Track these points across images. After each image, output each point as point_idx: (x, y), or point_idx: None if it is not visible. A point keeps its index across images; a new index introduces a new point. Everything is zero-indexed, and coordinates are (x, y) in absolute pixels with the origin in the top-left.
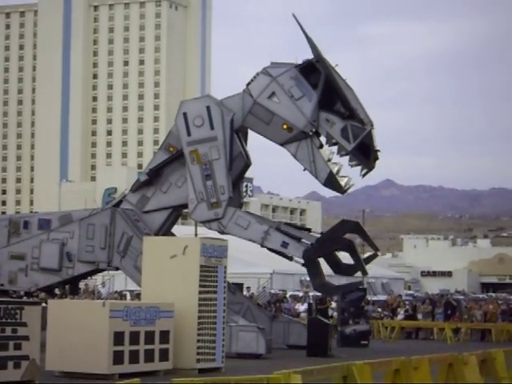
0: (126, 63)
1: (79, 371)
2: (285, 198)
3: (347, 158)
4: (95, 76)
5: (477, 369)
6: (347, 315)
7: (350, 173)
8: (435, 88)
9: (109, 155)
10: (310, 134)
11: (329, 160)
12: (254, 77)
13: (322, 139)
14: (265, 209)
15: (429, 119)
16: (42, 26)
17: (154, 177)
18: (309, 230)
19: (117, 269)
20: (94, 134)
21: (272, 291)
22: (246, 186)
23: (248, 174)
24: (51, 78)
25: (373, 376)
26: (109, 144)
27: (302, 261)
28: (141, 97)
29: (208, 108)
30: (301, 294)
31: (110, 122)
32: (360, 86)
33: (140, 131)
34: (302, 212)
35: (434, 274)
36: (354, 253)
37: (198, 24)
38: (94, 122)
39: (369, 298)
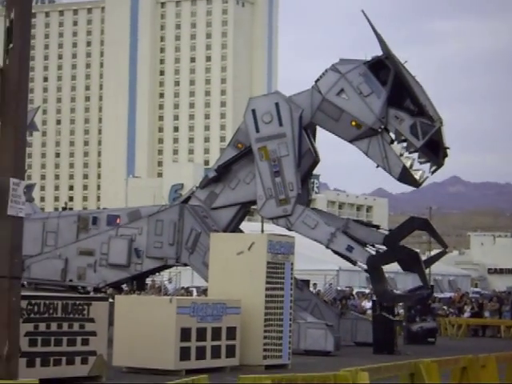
0: (192, 60)
1: (146, 367)
2: (351, 194)
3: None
4: (162, 73)
5: None
6: (414, 312)
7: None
8: (501, 84)
9: (175, 151)
10: (379, 130)
11: (401, 155)
12: (323, 73)
13: (391, 136)
14: (331, 205)
15: (495, 116)
16: (109, 22)
17: (222, 173)
18: (377, 226)
19: (185, 265)
20: (160, 130)
21: (338, 288)
22: (313, 183)
23: (315, 171)
24: (118, 75)
25: (440, 374)
26: (175, 140)
27: (365, 267)
28: (207, 93)
29: (277, 104)
30: (367, 290)
31: (176, 118)
32: (424, 82)
33: (206, 128)
34: (369, 209)
35: (501, 271)
36: (418, 265)
37: (265, 21)
38: (161, 118)
39: (435, 295)
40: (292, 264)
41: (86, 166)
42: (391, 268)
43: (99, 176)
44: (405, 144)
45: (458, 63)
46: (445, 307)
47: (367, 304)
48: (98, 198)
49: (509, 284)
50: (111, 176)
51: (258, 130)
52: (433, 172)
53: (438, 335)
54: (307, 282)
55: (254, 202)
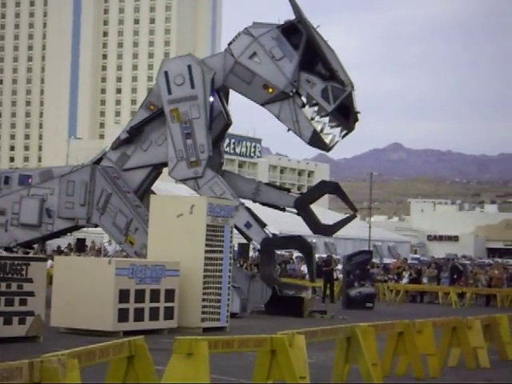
0: (136, 21)
1: (84, 328)
2: (293, 159)
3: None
4: (105, 34)
5: (481, 333)
6: (352, 278)
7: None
8: (448, 52)
9: (118, 113)
10: (291, 94)
11: (312, 119)
12: (236, 36)
13: (303, 100)
14: (273, 170)
15: (439, 84)
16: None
17: (134, 135)
18: (288, 190)
19: (96, 226)
20: (103, 92)
21: (278, 252)
22: (255, 147)
23: (257, 135)
24: (61, 35)
25: (376, 338)
26: (118, 102)
27: (258, 246)
28: (151, 55)
29: (189, 67)
30: None
31: (119, 80)
32: (372, 49)
33: (149, 90)
34: (310, 174)
35: (440, 238)
36: (310, 258)
37: (209, 5)
38: (104, 80)
39: (375, 261)
40: (232, 227)
41: (28, 126)
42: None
43: (41, 137)
44: (316, 108)
45: (408, 29)
46: (383, 272)
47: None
48: (39, 159)
49: (448, 251)
50: (53, 137)
51: (170, 92)
52: (343, 136)
53: (376, 301)
54: (247, 246)
55: (165, 164)
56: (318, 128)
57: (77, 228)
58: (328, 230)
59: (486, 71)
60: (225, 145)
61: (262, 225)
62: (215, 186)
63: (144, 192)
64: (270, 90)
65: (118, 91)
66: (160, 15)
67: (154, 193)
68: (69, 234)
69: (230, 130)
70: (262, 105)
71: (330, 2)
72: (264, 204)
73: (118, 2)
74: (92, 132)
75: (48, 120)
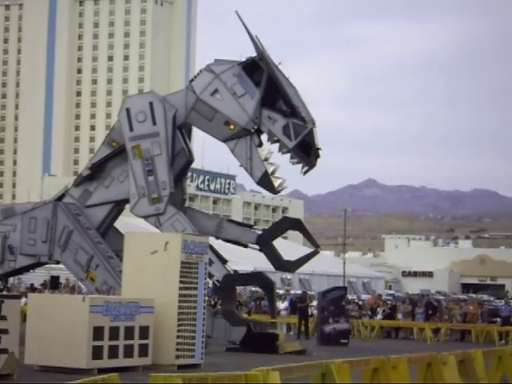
0: (110, 58)
1: (58, 365)
2: (267, 196)
3: (288, 156)
4: (79, 71)
5: (455, 369)
6: (327, 313)
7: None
8: (421, 89)
9: (91, 150)
10: (252, 131)
11: (266, 159)
12: (198, 73)
13: (264, 137)
14: (247, 206)
15: (413, 120)
16: (27, 19)
17: (96, 171)
18: (251, 226)
19: (57, 262)
20: (77, 128)
21: (253, 289)
22: (229, 184)
23: (231, 172)
24: (35, 72)
25: (351, 374)
26: (92, 139)
27: (218, 284)
28: (125, 92)
29: (151, 104)
30: (281, 291)
31: (93, 116)
32: (346, 86)
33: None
34: (284, 210)
35: (415, 274)
36: (271, 293)
37: (184, 20)
38: (78, 116)
39: (349, 296)
40: (206, 264)
41: (2, 163)
42: (306, 270)
43: (14, 174)
44: (274, 147)
45: (381, 67)
46: (358, 308)
47: (281, 305)
48: (14, 196)
49: (422, 287)
50: (27, 174)
51: (131, 129)
52: (305, 172)
53: (351, 337)
54: None
55: (127, 201)
56: (270, 170)
57: (39, 265)
58: (291, 267)
59: (458, 108)
60: (199, 181)
61: (223, 261)
62: (177, 223)
63: (106, 229)
64: (232, 127)
65: (92, 128)
66: (134, 52)
67: (116, 229)
68: (32, 270)
69: (205, 167)
70: (224, 141)
71: (309, 38)
72: (226, 240)
73: (91, 39)
74: (66, 169)
75: (22, 157)
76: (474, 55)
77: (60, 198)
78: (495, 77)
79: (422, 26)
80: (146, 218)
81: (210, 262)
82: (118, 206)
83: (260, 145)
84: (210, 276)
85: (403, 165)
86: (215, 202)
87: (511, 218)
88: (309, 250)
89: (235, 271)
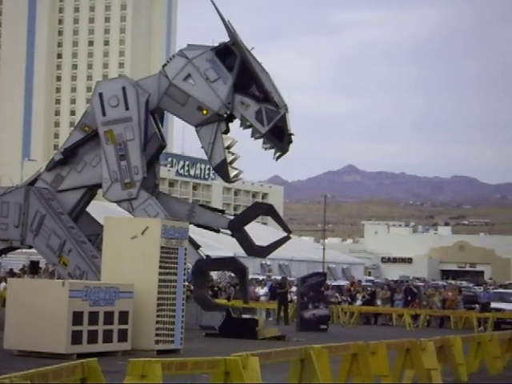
0: (90, 43)
1: (37, 350)
2: (247, 181)
3: (261, 141)
4: (59, 56)
5: (434, 355)
6: (307, 299)
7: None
8: (400, 76)
9: None
10: (225, 116)
11: (228, 147)
12: (170, 58)
13: (237, 123)
14: (227, 192)
15: (392, 106)
16: (8, 4)
17: (69, 156)
18: (222, 211)
19: (30, 247)
20: (57, 113)
21: (232, 274)
22: (209, 169)
23: None
24: (15, 57)
25: (330, 360)
26: (72, 124)
27: (191, 268)
28: (105, 77)
29: (124, 89)
30: (261, 277)
31: (73, 101)
32: (327, 72)
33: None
34: (264, 196)
35: (394, 260)
36: (243, 279)
37: (164, 5)
38: (58, 101)
39: (329, 282)
40: (186, 249)
41: None
42: (285, 256)
43: None
44: (242, 135)
45: (359, 53)
46: (337, 295)
47: (260, 291)
48: None
49: (401, 273)
50: (7, 159)
51: (104, 114)
52: (277, 158)
53: (330, 322)
54: None
55: (100, 185)
56: (229, 159)
57: (11, 249)
58: (262, 252)
59: (438, 94)
60: (179, 167)
61: (196, 246)
62: (149, 208)
63: (79, 213)
64: (204, 112)
65: (72, 113)
66: (114, 37)
67: (89, 214)
68: (3, 255)
69: (185, 152)
70: (196, 126)
71: (285, 25)
72: (198, 226)
73: (72, 24)
74: (46, 154)
75: (1, 142)
76: (450, 42)
77: (32, 183)
78: (472, 63)
79: (396, 13)
80: (118, 202)
81: None
82: (91, 191)
83: (226, 132)
84: None
85: (383, 151)
86: (195, 187)
87: (490, 205)
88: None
89: (208, 256)
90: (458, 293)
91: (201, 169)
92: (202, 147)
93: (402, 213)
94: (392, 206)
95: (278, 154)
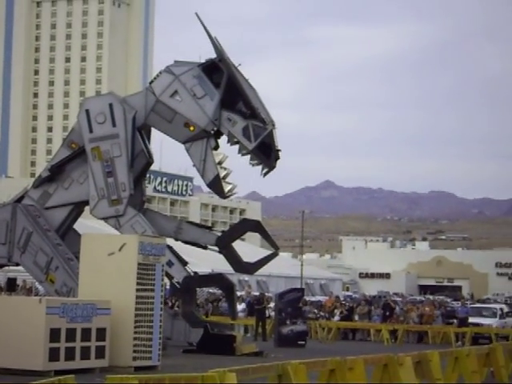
0: (67, 60)
1: (14, 367)
2: None
3: (248, 157)
4: (36, 72)
5: (412, 370)
6: (284, 315)
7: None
8: (376, 91)
9: (49, 152)
10: (212, 132)
11: (220, 163)
12: (157, 75)
13: (224, 138)
14: (204, 208)
15: (370, 122)
16: None
17: (56, 173)
18: (210, 228)
19: (17, 264)
20: (34, 130)
21: (210, 290)
22: (187, 185)
23: (188, 173)
24: None
25: (308, 376)
26: (49, 140)
27: (178, 286)
28: (82, 94)
29: (110, 105)
30: (239, 293)
31: (50, 118)
32: (303, 88)
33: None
34: (242, 212)
35: (372, 275)
36: (231, 295)
37: (141, 22)
38: (35, 118)
39: (307, 298)
40: (163, 266)
41: None
42: (263, 272)
43: None
44: (231, 151)
45: (337, 69)
46: (315, 310)
47: (239, 306)
48: None
49: (379, 288)
50: None
51: (91, 130)
52: (265, 174)
53: (308, 338)
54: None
55: (87, 202)
56: (222, 174)
57: None
58: (250, 268)
59: (415, 109)
60: (156, 183)
61: (184, 263)
62: (136, 225)
63: (66, 230)
64: (192, 129)
65: (49, 129)
66: (91, 53)
67: (76, 231)
68: None
69: (162, 169)
70: (183, 143)
71: (259, 39)
72: (186, 242)
73: (49, 41)
74: (23, 170)
75: None
76: (427, 57)
77: (19, 200)
78: (448, 78)
79: (378, 29)
80: (105, 219)
81: (170, 264)
82: (78, 208)
83: (216, 148)
84: (170, 277)
85: (359, 167)
86: (173, 203)
87: (468, 220)
88: (266, 251)
89: (195, 273)
90: (436, 308)
91: (178, 185)
92: (194, 165)
93: (379, 228)
94: (369, 221)
95: (266, 170)
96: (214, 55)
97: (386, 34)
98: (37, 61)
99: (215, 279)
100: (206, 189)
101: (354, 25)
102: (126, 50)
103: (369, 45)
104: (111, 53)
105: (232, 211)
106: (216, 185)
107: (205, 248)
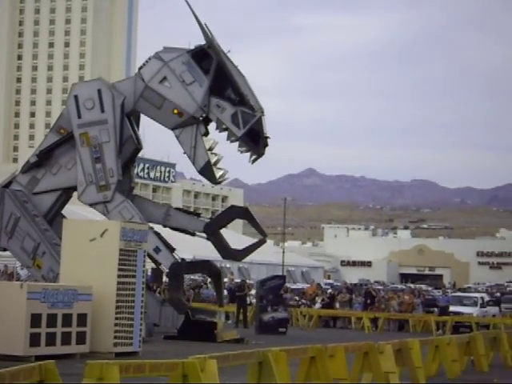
0: (51, 45)
1: None
2: (207, 184)
3: (237, 144)
4: (20, 57)
5: (392, 358)
6: (266, 302)
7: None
8: (360, 80)
9: (31, 137)
10: (201, 119)
11: (210, 149)
12: (147, 61)
13: (213, 125)
14: (187, 195)
15: (353, 110)
16: None
17: (44, 158)
18: (198, 214)
19: (4, 250)
20: (17, 115)
21: (192, 277)
22: (169, 172)
23: (171, 160)
24: None
25: (289, 363)
26: (32, 126)
27: (167, 270)
28: (65, 79)
29: (99, 91)
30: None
31: (33, 103)
32: (287, 75)
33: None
34: (224, 199)
35: (353, 263)
36: (218, 281)
37: (125, 7)
38: (18, 103)
39: (288, 285)
40: (145, 252)
41: None
42: (246, 259)
43: None
44: (221, 137)
45: (322, 57)
46: (297, 298)
47: None
48: None
49: (361, 276)
50: None
51: (79, 116)
52: (253, 161)
53: (289, 326)
54: (161, 271)
55: (75, 188)
56: (213, 160)
57: None
58: (238, 255)
59: (399, 98)
60: (139, 169)
61: (171, 249)
62: (124, 211)
63: (54, 216)
64: (180, 115)
65: (32, 115)
66: (75, 39)
67: (64, 216)
68: None
69: (145, 155)
70: (172, 129)
71: (249, 27)
72: (174, 229)
73: (32, 25)
74: (5, 156)
75: None
76: (413, 47)
77: (7, 185)
78: (437, 67)
79: (363, 17)
80: (93, 205)
81: (158, 250)
82: (66, 194)
83: (206, 134)
84: (158, 264)
85: (343, 154)
86: (155, 190)
87: (450, 209)
88: (249, 238)
89: (183, 259)
90: (416, 296)
91: (161, 171)
92: (184, 152)
93: (361, 216)
94: (352, 209)
95: (254, 157)
96: (202, 41)
97: (373, 22)
98: (20, 46)
99: (202, 266)
100: (188, 175)
101: (341, 13)
102: (109, 35)
103: (355, 33)
104: (95, 38)
105: (214, 198)
106: (207, 171)
107: (193, 235)
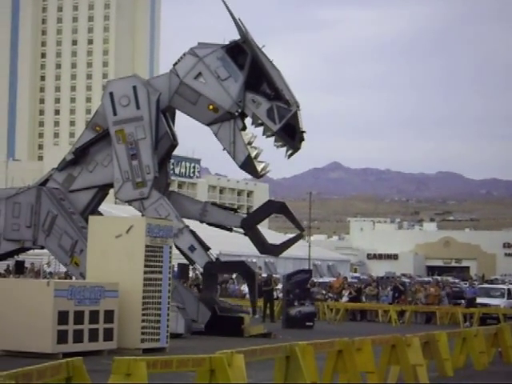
0: (74, 42)
1: (23, 350)
2: (232, 179)
3: (272, 139)
4: (43, 55)
5: (420, 350)
6: (292, 297)
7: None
8: (384, 73)
9: (56, 135)
10: (236, 114)
11: (249, 143)
12: (181, 57)
13: (248, 120)
14: (212, 190)
15: (378, 103)
16: None
17: (80, 156)
18: (235, 210)
19: (42, 247)
20: (41, 113)
21: None
22: (194, 168)
23: (196, 155)
24: None
25: (316, 357)
26: (56, 123)
27: (201, 269)
28: (89, 76)
29: (134, 88)
30: None
31: (57, 101)
32: (311, 69)
33: (88, 111)
34: (250, 194)
35: (380, 256)
36: (252, 282)
37: (148, 3)
38: (42, 101)
39: (314, 279)
40: (171, 247)
41: None
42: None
43: None
44: (258, 131)
45: (347, 50)
46: (323, 291)
47: (246, 289)
48: None
49: (387, 269)
50: None
51: (115, 113)
52: (289, 156)
53: (316, 319)
54: (187, 267)
55: (111, 185)
56: (253, 154)
57: (23, 250)
58: (275, 250)
59: (424, 91)
60: None
61: (206, 248)
62: (160, 208)
63: (90, 213)
64: (216, 111)
65: (57, 112)
66: (98, 36)
67: (101, 214)
68: (16, 256)
69: None
70: (208, 125)
71: (273, 22)
72: (211, 224)
73: (55, 24)
74: (31, 153)
75: None
76: (437, 39)
77: (44, 183)
78: (468, 59)
79: (383, 10)
80: (130, 202)
81: (193, 249)
82: (102, 191)
83: (244, 128)
84: (192, 262)
85: (368, 147)
86: (180, 185)
87: (476, 201)
88: (273, 233)
89: (217, 259)
90: (441, 288)
91: (186, 167)
92: (224, 148)
93: (387, 209)
94: (377, 202)
95: (290, 151)
96: (236, 37)
97: (400, 14)
98: (43, 43)
99: (237, 266)
100: (213, 171)
101: (365, 8)
102: (132, 32)
103: (380, 26)
104: (118, 35)
105: (239, 193)
106: (248, 165)
107: (230, 230)
